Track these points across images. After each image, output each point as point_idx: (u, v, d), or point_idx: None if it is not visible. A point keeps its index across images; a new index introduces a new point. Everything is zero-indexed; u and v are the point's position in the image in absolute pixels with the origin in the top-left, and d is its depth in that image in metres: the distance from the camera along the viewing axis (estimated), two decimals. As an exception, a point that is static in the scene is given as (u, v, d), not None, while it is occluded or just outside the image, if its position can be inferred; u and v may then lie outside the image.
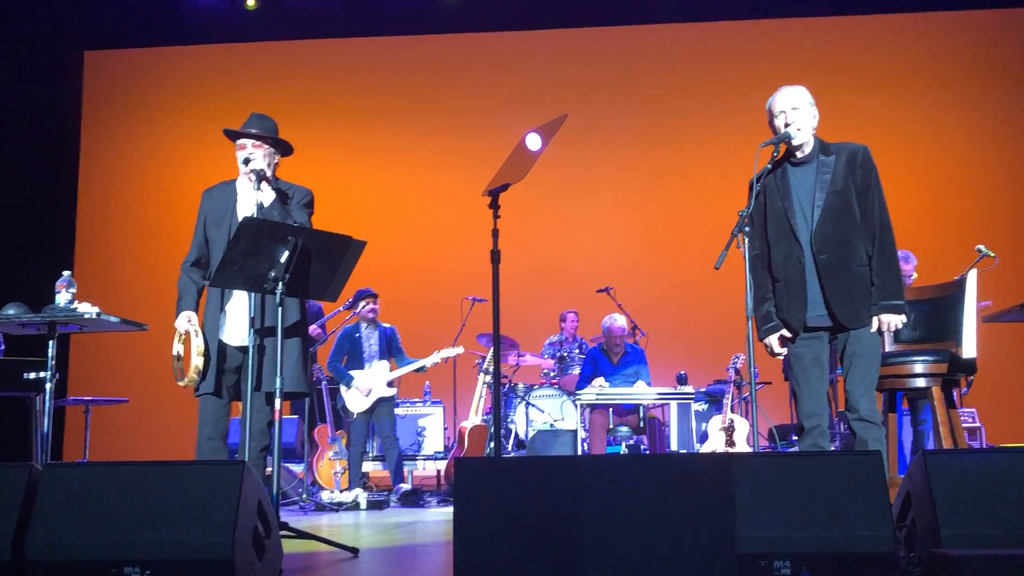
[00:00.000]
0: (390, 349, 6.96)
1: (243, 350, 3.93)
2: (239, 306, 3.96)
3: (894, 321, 3.56)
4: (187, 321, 3.90)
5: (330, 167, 10.16)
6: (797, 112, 3.65)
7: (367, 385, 6.79)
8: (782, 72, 9.49)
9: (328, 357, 7.07)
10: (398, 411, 7.94)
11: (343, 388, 6.91)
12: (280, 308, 3.58)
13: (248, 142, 4.02)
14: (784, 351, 3.74)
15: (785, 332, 3.72)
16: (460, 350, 6.93)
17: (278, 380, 3.57)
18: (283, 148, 4.13)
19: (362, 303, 6.92)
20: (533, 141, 3.76)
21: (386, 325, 7.04)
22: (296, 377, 3.91)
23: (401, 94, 10.45)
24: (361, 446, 6.80)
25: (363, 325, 6.99)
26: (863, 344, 3.58)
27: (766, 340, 3.78)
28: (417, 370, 6.91)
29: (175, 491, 2.68)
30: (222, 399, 3.94)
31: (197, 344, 3.82)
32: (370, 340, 6.98)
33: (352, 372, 6.88)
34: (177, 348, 3.88)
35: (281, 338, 3.60)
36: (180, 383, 3.86)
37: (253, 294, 3.75)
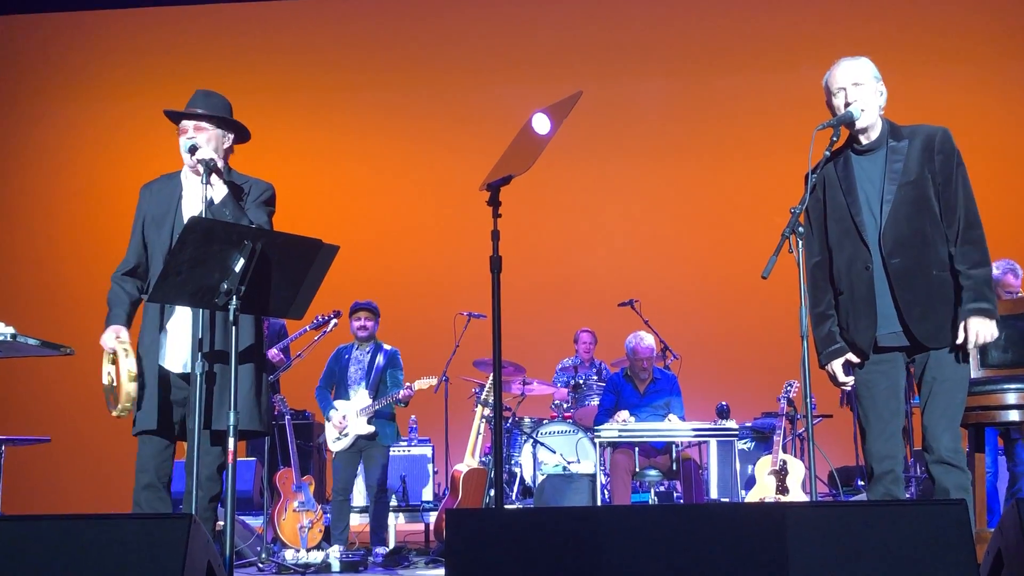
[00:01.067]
0: (383, 376, 6.96)
1: (187, 378, 3.94)
2: (182, 325, 3.96)
3: (985, 331, 3.53)
4: (115, 338, 3.90)
5: (295, 156, 10.19)
6: (859, 88, 3.66)
7: (344, 418, 6.80)
8: (844, 39, 9.52)
9: (319, 382, 7.10)
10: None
11: (327, 422, 6.96)
12: (233, 328, 3.58)
13: (192, 124, 4.04)
14: (850, 380, 3.73)
15: (851, 356, 3.71)
16: (432, 381, 6.91)
17: (231, 415, 3.57)
18: (237, 132, 4.15)
19: (352, 319, 6.98)
20: (541, 124, 3.77)
21: (388, 347, 7.07)
22: (249, 412, 3.92)
23: (381, 66, 10.49)
24: (343, 494, 6.80)
25: (355, 345, 7.05)
26: (946, 368, 3.57)
27: (828, 366, 3.76)
28: (395, 402, 6.90)
29: (108, 551, 2.68)
30: (164, 439, 3.94)
31: (127, 367, 3.82)
32: (358, 363, 7.00)
33: (337, 402, 6.91)
34: (108, 370, 3.89)
35: (235, 364, 3.60)
36: (113, 413, 3.87)
37: (200, 310, 3.75)
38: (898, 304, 3.58)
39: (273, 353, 7.50)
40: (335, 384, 7.06)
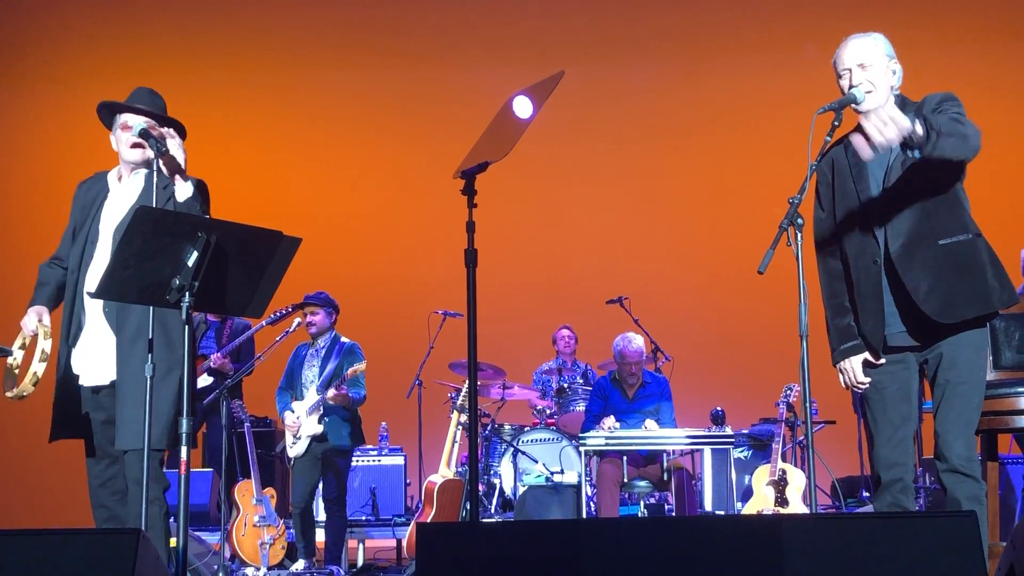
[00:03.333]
0: (338, 372, 6.90)
1: (101, 391, 3.99)
2: (96, 337, 3.99)
3: (893, 122, 3.16)
4: (36, 320, 3.94)
5: (254, 140, 10.15)
6: (867, 71, 3.64)
7: (297, 419, 6.74)
8: (849, 16, 9.56)
9: (279, 383, 7.06)
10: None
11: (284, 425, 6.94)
12: (186, 327, 3.57)
13: (136, 121, 4.04)
14: (867, 381, 3.71)
15: (868, 355, 3.71)
16: (359, 366, 6.81)
17: (184, 422, 3.56)
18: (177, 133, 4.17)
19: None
20: (521, 106, 3.77)
21: (346, 340, 7.00)
22: (163, 431, 3.90)
23: (348, 45, 10.45)
24: (301, 506, 6.75)
25: (311, 342, 7.01)
26: (960, 369, 3.55)
27: (845, 363, 3.76)
28: (348, 403, 6.83)
29: (50, 569, 2.66)
30: (104, 458, 4.01)
31: (43, 347, 3.87)
32: (312, 362, 6.94)
33: (294, 404, 6.87)
34: (16, 356, 3.93)
35: (187, 367, 3.60)
36: (8, 395, 3.90)
37: (112, 319, 3.75)
38: (905, 291, 3.55)
39: (215, 358, 7.48)
40: (293, 385, 7.02)
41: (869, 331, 3.67)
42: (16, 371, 3.93)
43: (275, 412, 7.45)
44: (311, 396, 6.79)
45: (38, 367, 3.84)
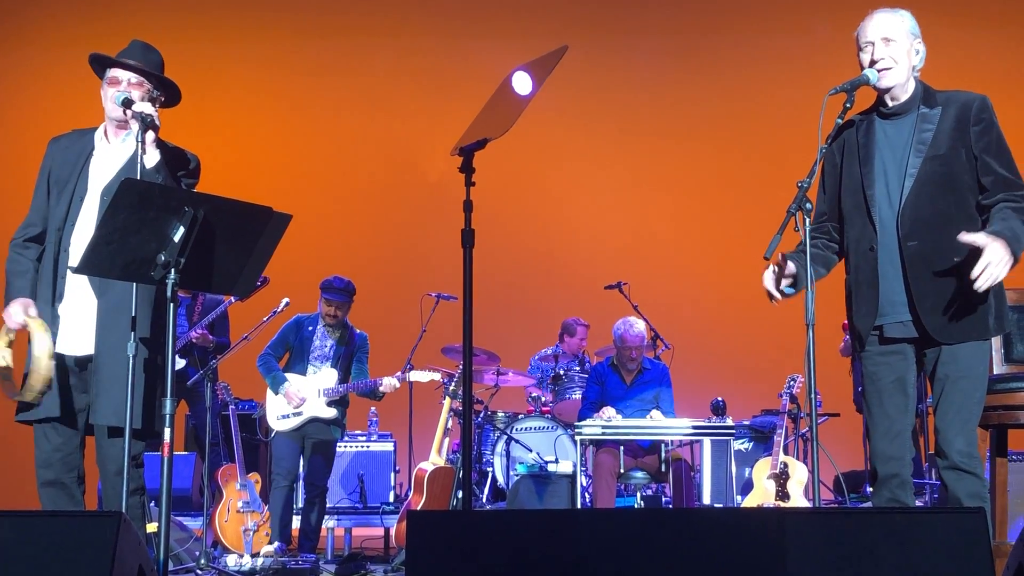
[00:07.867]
0: (351, 360, 6.91)
1: (82, 363, 3.95)
2: (78, 302, 3.96)
3: (997, 258, 3.35)
4: (24, 312, 3.86)
5: (242, 112, 10.11)
6: (890, 46, 3.64)
7: (301, 393, 6.69)
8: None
9: (264, 348, 6.93)
10: (334, 447, 7.87)
11: (269, 393, 6.81)
12: (171, 305, 3.57)
13: (126, 76, 4.02)
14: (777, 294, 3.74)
15: (793, 266, 3.71)
16: (436, 375, 6.84)
17: (167, 403, 3.56)
18: (169, 96, 4.15)
19: (324, 300, 6.83)
20: (521, 82, 3.76)
21: (358, 331, 7.02)
22: (143, 412, 3.89)
23: (339, 12, 10.40)
24: (287, 479, 6.71)
25: (319, 319, 6.94)
26: (960, 364, 3.56)
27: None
28: (369, 394, 6.83)
29: (24, 552, 2.66)
30: (69, 428, 3.95)
31: (43, 342, 3.78)
32: (325, 339, 6.90)
33: (291, 375, 6.79)
34: (3, 354, 3.84)
35: (171, 348, 3.60)
36: (13, 397, 3.83)
37: (98, 287, 3.72)
38: (910, 292, 3.58)
39: (196, 332, 7.35)
40: (291, 356, 6.92)
41: (861, 318, 3.70)
42: (11, 369, 3.84)
43: (261, 395, 7.26)
44: (326, 376, 6.75)
45: (47, 364, 3.73)
